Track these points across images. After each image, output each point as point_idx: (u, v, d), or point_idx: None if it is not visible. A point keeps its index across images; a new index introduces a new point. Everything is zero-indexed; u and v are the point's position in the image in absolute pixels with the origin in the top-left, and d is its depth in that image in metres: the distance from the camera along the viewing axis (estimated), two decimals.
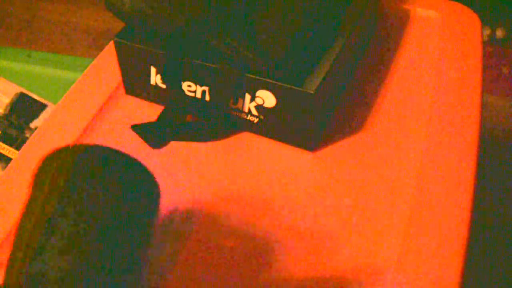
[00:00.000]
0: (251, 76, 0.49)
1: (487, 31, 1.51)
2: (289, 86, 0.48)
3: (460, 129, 0.53)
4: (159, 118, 0.55)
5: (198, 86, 0.52)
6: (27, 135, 0.95)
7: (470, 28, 0.66)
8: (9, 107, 0.96)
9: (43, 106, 0.98)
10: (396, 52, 0.63)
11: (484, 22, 1.55)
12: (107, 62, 0.64)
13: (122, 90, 0.60)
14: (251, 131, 0.54)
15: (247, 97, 0.51)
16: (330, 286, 0.42)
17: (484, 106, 1.36)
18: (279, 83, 0.48)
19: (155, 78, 0.55)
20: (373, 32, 0.66)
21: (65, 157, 0.32)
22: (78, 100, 0.59)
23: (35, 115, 0.98)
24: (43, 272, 0.27)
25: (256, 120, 0.52)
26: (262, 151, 0.53)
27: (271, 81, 0.48)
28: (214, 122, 0.54)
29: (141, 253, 0.31)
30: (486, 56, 1.47)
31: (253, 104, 0.51)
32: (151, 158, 0.53)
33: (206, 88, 0.52)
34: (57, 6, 1.77)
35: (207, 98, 0.53)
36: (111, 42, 0.66)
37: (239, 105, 0.52)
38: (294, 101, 0.48)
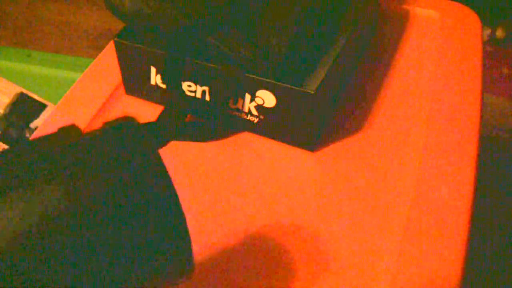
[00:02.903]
0: (251, 76, 0.49)
1: (487, 31, 1.51)
2: (289, 86, 0.47)
3: (460, 129, 0.53)
4: (159, 118, 0.55)
5: (198, 86, 0.52)
6: (27, 135, 0.95)
7: (470, 28, 0.65)
8: (9, 107, 0.96)
9: (43, 106, 0.98)
10: (396, 52, 0.63)
11: (484, 22, 1.55)
12: (107, 62, 0.64)
13: (122, 90, 0.60)
14: (251, 131, 0.54)
15: (247, 97, 0.51)
16: (330, 285, 0.42)
17: (484, 106, 1.36)
18: (279, 83, 0.48)
19: (155, 78, 0.55)
20: (373, 32, 0.66)
21: None
22: (78, 100, 0.59)
23: (35, 115, 0.98)
24: None
25: (256, 120, 0.52)
26: (262, 151, 0.53)
27: (271, 81, 0.48)
28: (214, 122, 0.54)
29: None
30: (486, 56, 1.47)
31: (253, 104, 0.51)
32: None
33: (206, 88, 0.52)
34: (57, 6, 1.77)
35: (207, 98, 0.53)
36: (111, 42, 0.66)
37: (239, 105, 0.52)
38: (294, 101, 0.48)
